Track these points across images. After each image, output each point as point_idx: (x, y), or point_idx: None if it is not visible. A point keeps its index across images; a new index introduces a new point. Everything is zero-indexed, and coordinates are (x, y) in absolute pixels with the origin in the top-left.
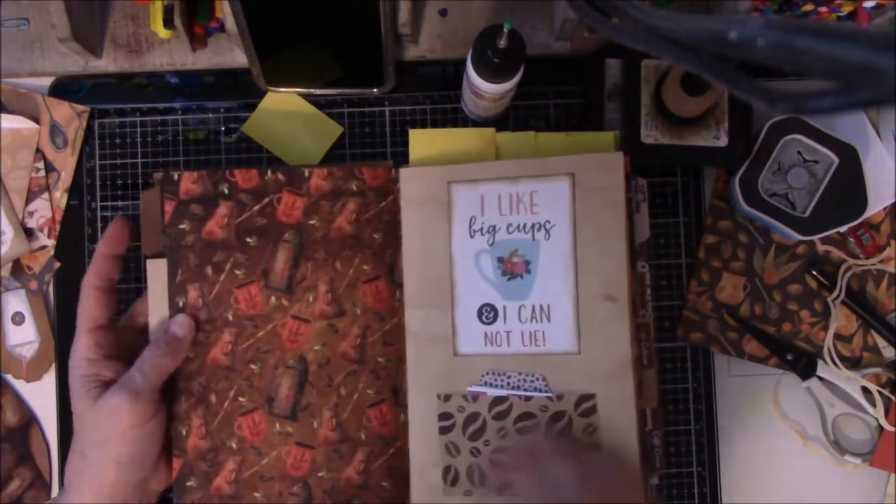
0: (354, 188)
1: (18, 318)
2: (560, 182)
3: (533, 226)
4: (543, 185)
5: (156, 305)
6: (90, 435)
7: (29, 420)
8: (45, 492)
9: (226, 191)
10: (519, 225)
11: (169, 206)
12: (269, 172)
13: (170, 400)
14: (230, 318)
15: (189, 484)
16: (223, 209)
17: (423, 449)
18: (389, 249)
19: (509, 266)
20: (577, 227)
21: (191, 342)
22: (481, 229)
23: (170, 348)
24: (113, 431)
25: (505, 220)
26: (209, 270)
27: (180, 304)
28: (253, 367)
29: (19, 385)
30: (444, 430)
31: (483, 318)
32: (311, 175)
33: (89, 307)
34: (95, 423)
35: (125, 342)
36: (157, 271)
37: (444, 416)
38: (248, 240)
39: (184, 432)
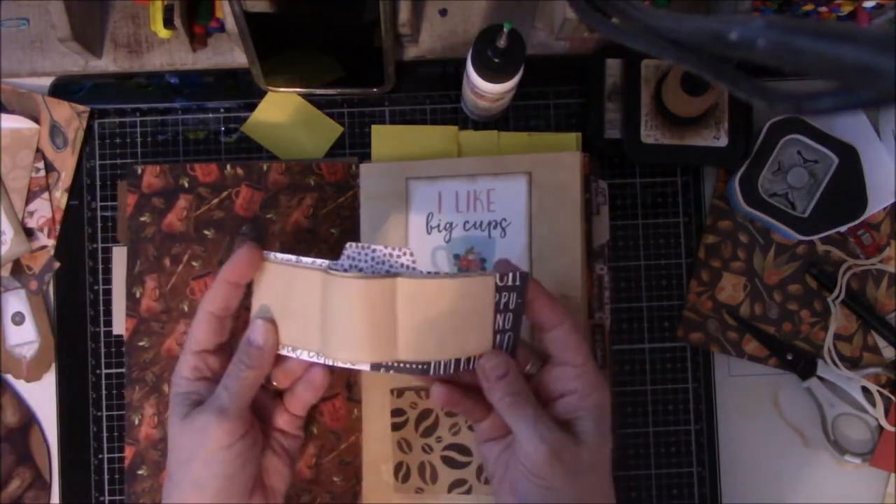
0: (312, 183)
1: (18, 318)
2: (517, 180)
3: (489, 223)
4: (500, 183)
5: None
6: (175, 455)
7: (29, 420)
8: (45, 491)
9: (186, 184)
10: (475, 222)
11: (131, 199)
12: (228, 167)
13: (123, 389)
14: (185, 309)
15: (140, 472)
16: (183, 202)
17: (376, 445)
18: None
19: (465, 263)
20: (532, 226)
21: (273, 347)
22: (438, 226)
23: (251, 359)
24: (196, 452)
25: (462, 217)
26: (167, 262)
27: (137, 294)
28: None
29: (19, 385)
30: (396, 427)
31: None
32: (269, 169)
33: (199, 330)
34: (181, 442)
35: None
36: (120, 261)
37: (396, 412)
38: (206, 232)
39: (136, 421)
